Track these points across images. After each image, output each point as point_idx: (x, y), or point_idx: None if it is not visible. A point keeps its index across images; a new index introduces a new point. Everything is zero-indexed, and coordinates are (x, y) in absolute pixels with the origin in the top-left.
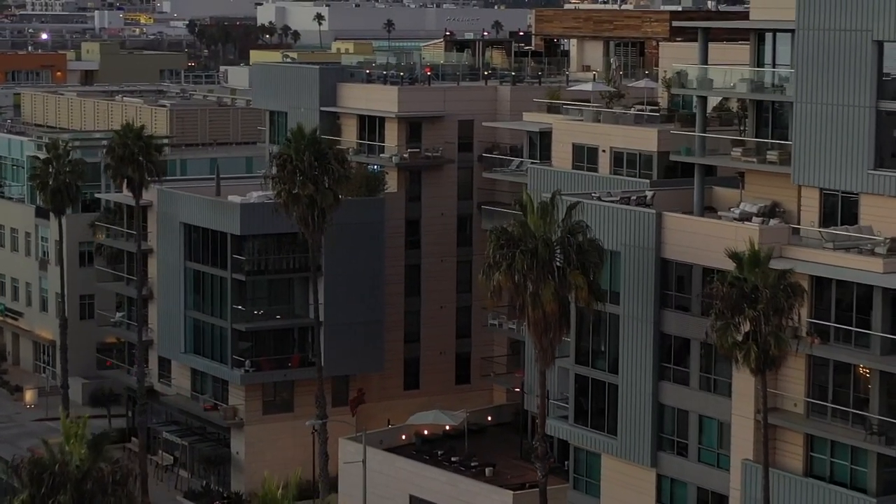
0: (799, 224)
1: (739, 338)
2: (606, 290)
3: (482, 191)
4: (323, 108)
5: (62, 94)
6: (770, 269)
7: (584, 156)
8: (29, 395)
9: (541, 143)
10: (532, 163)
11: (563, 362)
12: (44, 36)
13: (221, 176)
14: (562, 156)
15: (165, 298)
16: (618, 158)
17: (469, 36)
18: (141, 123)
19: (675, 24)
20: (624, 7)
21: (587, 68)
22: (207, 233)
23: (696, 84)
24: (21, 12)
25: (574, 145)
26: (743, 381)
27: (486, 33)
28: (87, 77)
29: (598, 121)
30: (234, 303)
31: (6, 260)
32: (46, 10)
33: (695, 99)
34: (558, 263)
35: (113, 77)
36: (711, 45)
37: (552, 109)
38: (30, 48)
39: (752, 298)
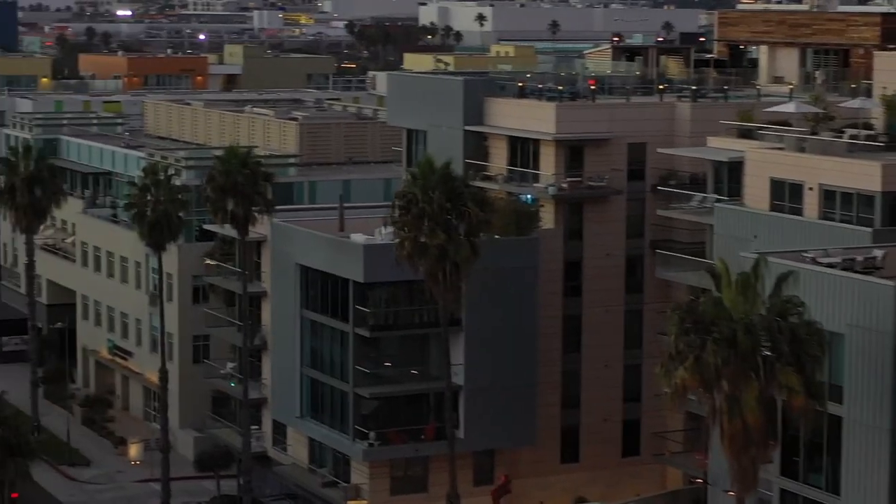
0: None
1: None
2: (825, 383)
3: (656, 227)
4: (468, 128)
5: (188, 104)
6: None
7: (786, 194)
8: (134, 450)
9: (729, 176)
10: (718, 200)
11: (766, 471)
12: (201, 37)
13: (353, 205)
14: (757, 193)
15: (280, 352)
16: (828, 198)
17: (638, 39)
18: (247, 147)
19: None
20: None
21: (779, 80)
22: (327, 277)
23: None
24: (182, 12)
25: (772, 180)
26: None
27: (659, 38)
28: (230, 82)
29: (803, 150)
30: (357, 362)
31: (116, 292)
32: (208, 9)
33: None
34: (765, 353)
35: (256, 82)
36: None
37: (743, 133)
38: (169, 51)
39: None
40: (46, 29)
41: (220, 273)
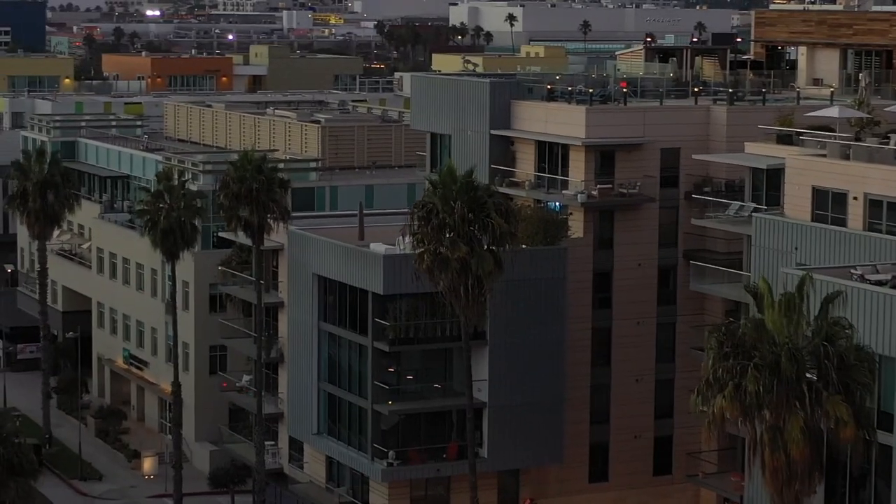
0: None
1: None
2: (872, 410)
3: (690, 237)
4: (494, 132)
5: (209, 106)
6: None
7: (829, 203)
8: (147, 464)
9: (768, 184)
10: (756, 209)
11: (808, 502)
12: (230, 37)
13: (374, 211)
14: (797, 202)
15: (297, 365)
16: (874, 208)
17: (670, 39)
18: (263, 152)
19: None
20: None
21: (818, 82)
22: (345, 288)
23: None
24: (211, 12)
25: (815, 189)
26: None
27: (694, 39)
28: (255, 83)
29: (847, 157)
30: (376, 377)
31: (132, 300)
32: (237, 10)
33: None
34: (810, 379)
35: (282, 83)
36: None
37: (783, 138)
38: (193, 51)
39: None
40: (75, 29)
41: (236, 282)
